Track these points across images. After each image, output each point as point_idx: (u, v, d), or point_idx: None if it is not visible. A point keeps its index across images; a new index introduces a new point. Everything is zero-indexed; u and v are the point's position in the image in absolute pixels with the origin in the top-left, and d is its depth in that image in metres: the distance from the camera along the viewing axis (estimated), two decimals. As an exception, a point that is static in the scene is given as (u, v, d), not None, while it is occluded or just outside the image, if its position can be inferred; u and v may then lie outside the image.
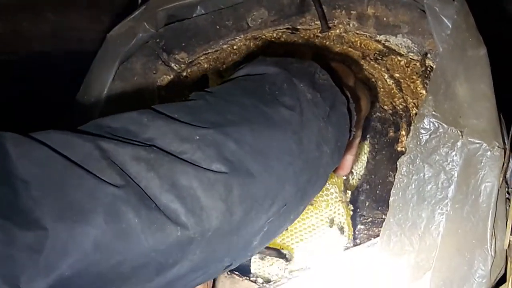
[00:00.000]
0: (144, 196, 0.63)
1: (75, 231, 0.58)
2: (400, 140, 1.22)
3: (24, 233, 0.55)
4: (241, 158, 0.71)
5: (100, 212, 0.60)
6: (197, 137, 0.69)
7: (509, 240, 0.85)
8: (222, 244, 0.71)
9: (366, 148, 1.33)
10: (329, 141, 0.83)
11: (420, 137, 0.89)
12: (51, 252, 0.56)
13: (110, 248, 0.60)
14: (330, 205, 1.18)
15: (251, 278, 1.21)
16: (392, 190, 0.91)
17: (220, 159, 0.69)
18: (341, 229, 1.17)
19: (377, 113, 1.29)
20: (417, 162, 0.89)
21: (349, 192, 1.22)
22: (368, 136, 1.33)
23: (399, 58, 1.04)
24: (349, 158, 1.11)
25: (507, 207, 0.86)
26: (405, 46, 0.99)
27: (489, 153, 0.84)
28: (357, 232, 1.20)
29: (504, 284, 0.87)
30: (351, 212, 1.19)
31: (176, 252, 0.66)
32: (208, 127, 0.71)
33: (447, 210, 0.87)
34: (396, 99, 1.19)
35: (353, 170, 1.30)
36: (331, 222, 1.18)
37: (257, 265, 1.23)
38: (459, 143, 0.86)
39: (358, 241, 1.17)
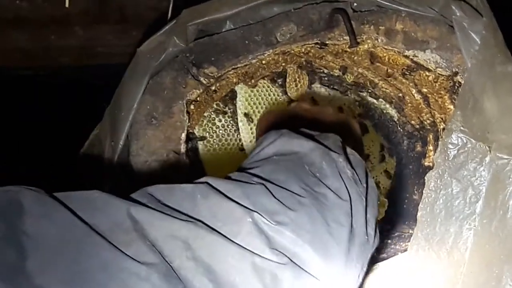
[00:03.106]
0: (171, 276, 0.59)
1: None
2: (427, 155, 1.21)
3: None
4: (298, 250, 0.67)
5: (111, 287, 0.56)
6: (250, 220, 0.66)
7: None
8: None
9: (393, 163, 1.33)
10: (371, 222, 0.78)
11: (448, 152, 0.89)
12: None
13: None
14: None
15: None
16: (420, 205, 0.91)
17: (272, 249, 0.65)
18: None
19: (405, 129, 1.29)
20: (445, 177, 0.89)
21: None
22: (395, 150, 1.33)
23: (427, 73, 1.04)
24: None
25: (536, 223, 0.85)
26: (433, 62, 0.99)
27: (517, 168, 0.84)
28: (384, 247, 1.20)
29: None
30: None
31: None
32: (262, 213, 0.66)
33: (475, 226, 0.86)
34: (423, 114, 1.18)
35: (380, 185, 1.30)
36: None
37: None
38: (487, 158, 0.86)
39: (385, 255, 1.17)
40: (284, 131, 0.84)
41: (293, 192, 0.72)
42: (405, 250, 0.97)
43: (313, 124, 0.98)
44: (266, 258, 0.64)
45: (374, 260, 1.09)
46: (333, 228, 0.71)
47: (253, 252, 0.64)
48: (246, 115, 1.21)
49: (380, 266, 1.10)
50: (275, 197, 0.70)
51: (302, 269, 0.66)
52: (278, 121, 1.03)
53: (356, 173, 0.79)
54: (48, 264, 0.55)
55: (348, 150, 0.83)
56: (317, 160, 0.78)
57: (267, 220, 0.66)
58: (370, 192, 0.80)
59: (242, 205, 0.67)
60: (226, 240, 0.63)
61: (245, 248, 0.64)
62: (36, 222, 0.57)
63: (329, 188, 0.74)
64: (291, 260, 0.66)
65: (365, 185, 0.80)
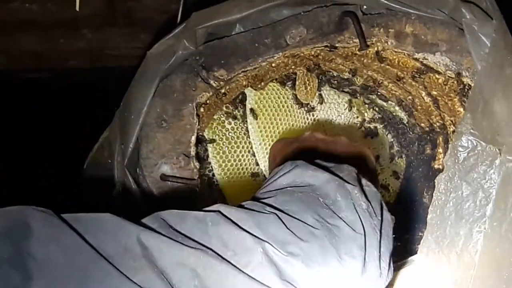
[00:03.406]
0: None
1: None
2: (437, 158, 1.21)
3: None
4: (308, 282, 0.67)
5: None
6: (261, 250, 0.65)
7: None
8: None
9: (403, 165, 1.33)
10: (384, 256, 0.77)
11: (458, 155, 0.88)
12: None
13: None
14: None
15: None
16: (430, 208, 0.91)
17: (283, 281, 0.64)
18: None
19: (414, 131, 1.29)
20: (455, 180, 0.89)
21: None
22: (404, 153, 1.33)
23: (437, 76, 1.04)
24: None
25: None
26: (443, 64, 0.99)
27: (527, 171, 0.84)
28: (393, 250, 1.20)
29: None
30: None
31: None
32: (273, 243, 0.66)
33: (485, 228, 0.86)
34: (433, 116, 1.18)
35: (389, 188, 1.30)
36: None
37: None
38: (497, 161, 0.86)
39: (395, 258, 1.17)
40: (299, 162, 0.83)
41: (306, 223, 0.71)
42: (415, 253, 0.96)
43: (328, 154, 0.98)
44: None
45: None
46: (345, 261, 0.70)
47: (263, 284, 0.63)
48: (255, 117, 1.21)
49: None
50: (287, 227, 0.69)
51: None
52: (292, 151, 1.02)
53: (371, 205, 0.78)
54: None
55: (363, 181, 0.82)
56: (331, 192, 0.77)
57: (278, 250, 0.66)
58: (384, 225, 0.79)
59: (253, 235, 0.66)
60: (236, 270, 0.63)
61: (255, 279, 0.63)
62: (43, 245, 0.57)
63: (343, 221, 0.74)
64: None
65: (379, 217, 0.79)
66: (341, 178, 0.80)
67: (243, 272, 0.63)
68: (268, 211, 0.72)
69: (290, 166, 0.83)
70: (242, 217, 0.68)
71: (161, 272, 0.59)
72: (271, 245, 0.65)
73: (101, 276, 0.57)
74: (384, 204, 0.82)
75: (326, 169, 0.82)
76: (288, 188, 0.79)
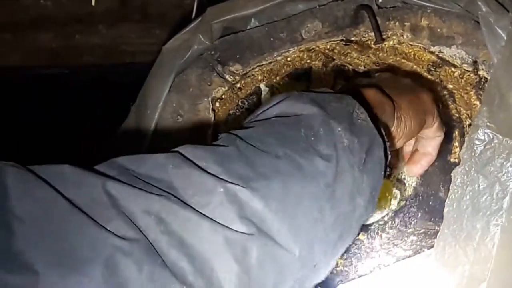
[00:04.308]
0: (151, 250, 0.59)
1: (69, 280, 0.54)
2: (453, 151, 1.21)
3: (14, 277, 0.52)
4: (266, 218, 0.66)
5: (98, 263, 0.55)
6: (222, 190, 0.65)
7: None
8: None
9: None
10: (363, 192, 0.77)
11: (475, 148, 0.88)
12: None
13: None
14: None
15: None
16: (446, 201, 0.91)
17: (242, 218, 0.64)
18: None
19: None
20: (472, 173, 0.89)
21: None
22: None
23: (453, 69, 1.03)
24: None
25: None
26: (459, 57, 0.99)
27: (544, 164, 0.84)
28: (410, 243, 1.20)
29: (560, 296, 0.86)
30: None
31: None
32: (234, 181, 0.66)
33: (502, 221, 0.86)
34: (449, 110, 1.18)
35: (405, 181, 1.29)
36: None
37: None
38: (514, 154, 0.86)
39: (411, 252, 1.17)
40: (292, 93, 0.83)
41: (275, 158, 0.70)
42: (432, 247, 0.96)
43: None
44: (237, 230, 0.63)
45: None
46: (306, 195, 0.70)
47: (223, 225, 0.63)
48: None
49: (406, 263, 1.10)
50: (251, 163, 0.69)
51: (271, 239, 0.66)
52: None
53: (357, 141, 0.77)
54: (35, 243, 0.55)
55: (361, 115, 0.81)
56: (316, 124, 0.75)
57: (240, 186, 0.65)
58: (369, 161, 0.78)
59: (213, 175, 0.66)
60: (197, 213, 0.63)
61: (216, 221, 0.63)
62: (20, 201, 0.57)
63: (317, 156, 0.72)
64: (260, 230, 0.65)
65: (364, 155, 0.77)
66: (330, 111, 0.78)
67: (204, 215, 0.63)
68: (236, 144, 0.71)
69: (283, 97, 0.82)
70: (202, 156, 0.68)
71: (130, 219, 0.60)
72: (231, 183, 0.65)
73: (78, 227, 0.57)
74: (378, 141, 0.81)
75: (321, 100, 0.81)
76: (273, 119, 0.79)
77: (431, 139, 1.05)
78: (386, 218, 1.21)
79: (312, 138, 0.74)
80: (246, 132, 0.75)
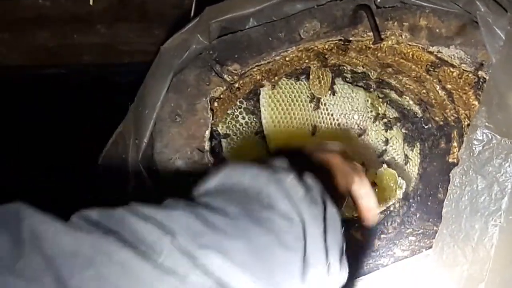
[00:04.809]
0: None
1: None
2: (452, 152, 1.21)
3: None
4: (223, 274, 0.60)
5: None
6: (168, 241, 0.60)
7: None
8: None
9: (417, 159, 1.33)
10: (334, 250, 0.71)
11: (473, 148, 0.88)
12: None
13: None
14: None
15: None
16: (445, 202, 0.91)
17: (195, 273, 0.59)
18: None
19: (428, 125, 1.29)
20: (470, 173, 0.89)
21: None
22: (419, 147, 1.32)
23: (451, 70, 1.03)
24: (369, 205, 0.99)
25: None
26: (457, 57, 0.99)
27: (543, 164, 0.84)
28: (408, 244, 1.20)
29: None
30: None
31: None
32: (185, 234, 0.61)
33: (500, 222, 0.86)
34: (447, 110, 1.18)
35: (404, 182, 1.30)
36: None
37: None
38: (512, 154, 0.86)
39: (409, 252, 1.17)
40: (229, 163, 0.78)
41: (228, 216, 0.66)
42: (430, 247, 0.96)
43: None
44: (187, 281, 0.59)
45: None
46: (278, 255, 0.65)
47: (173, 275, 0.59)
48: (270, 112, 1.21)
49: (405, 263, 1.10)
50: (204, 220, 0.64)
51: None
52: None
53: (311, 193, 0.72)
54: None
55: (304, 173, 0.76)
56: (263, 185, 0.71)
57: (190, 241, 0.61)
58: (329, 215, 0.73)
59: (163, 227, 0.62)
60: (140, 258, 0.58)
61: (163, 271, 0.58)
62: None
63: (276, 213, 0.68)
64: (218, 284, 0.60)
65: (322, 207, 0.72)
66: (273, 168, 0.75)
67: (147, 264, 0.58)
68: (184, 204, 0.67)
69: (218, 169, 0.77)
70: (152, 211, 0.64)
71: (49, 263, 0.55)
72: (181, 236, 0.61)
73: None
74: (328, 197, 0.76)
75: (258, 164, 0.76)
76: (215, 189, 0.74)
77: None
78: (386, 217, 1.22)
79: (265, 200, 0.70)
80: (189, 200, 0.71)
